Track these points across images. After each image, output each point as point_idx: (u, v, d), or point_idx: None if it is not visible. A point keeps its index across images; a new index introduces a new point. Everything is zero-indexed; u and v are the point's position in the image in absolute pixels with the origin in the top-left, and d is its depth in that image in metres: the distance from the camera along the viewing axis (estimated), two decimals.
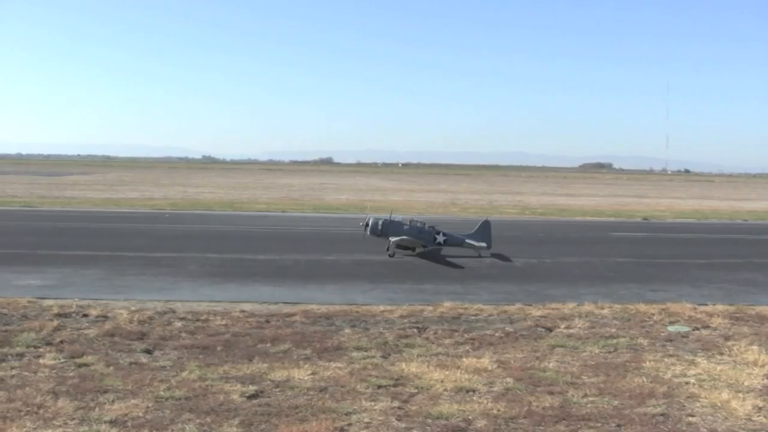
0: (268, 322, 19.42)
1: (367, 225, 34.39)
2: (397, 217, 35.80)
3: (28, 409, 12.36)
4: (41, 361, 15.36)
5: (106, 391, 13.36)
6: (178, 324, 18.86)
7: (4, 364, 15.08)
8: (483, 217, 41.48)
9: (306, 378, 14.53)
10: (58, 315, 19.43)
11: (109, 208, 61.55)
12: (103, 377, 14.26)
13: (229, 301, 22.15)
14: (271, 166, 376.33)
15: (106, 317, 19.36)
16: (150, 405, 12.70)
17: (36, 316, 19.31)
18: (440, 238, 34.49)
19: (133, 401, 12.84)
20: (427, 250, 34.01)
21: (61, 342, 16.82)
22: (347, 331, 18.73)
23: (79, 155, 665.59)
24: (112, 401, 12.83)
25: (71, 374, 14.49)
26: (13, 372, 14.55)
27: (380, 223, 34.00)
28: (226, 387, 13.82)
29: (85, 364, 15.15)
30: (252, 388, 13.72)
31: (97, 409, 12.43)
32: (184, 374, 14.59)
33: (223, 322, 19.15)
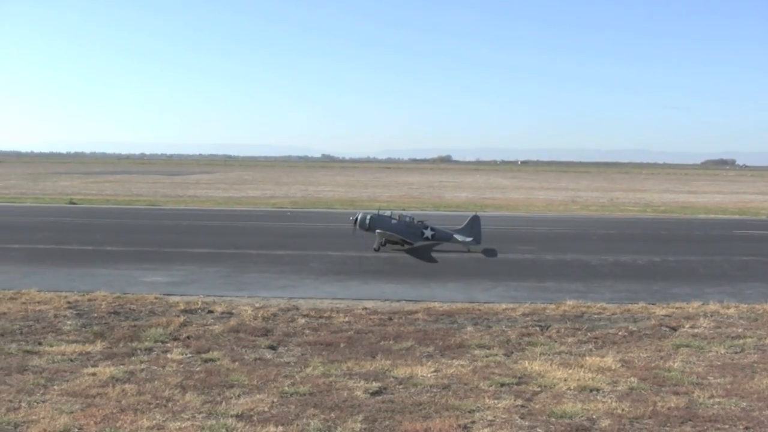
0: (390, 319, 19.47)
1: (356, 220, 34.97)
2: (386, 212, 36.32)
3: (158, 402, 12.62)
4: (169, 355, 15.70)
5: (232, 386, 13.57)
6: (302, 321, 19.07)
7: (133, 358, 15.45)
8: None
9: (429, 375, 14.50)
10: (185, 311, 19.86)
11: (231, 206, 62.53)
12: (228, 372, 14.48)
13: (352, 299, 22.32)
14: (390, 165, 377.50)
15: (231, 314, 19.71)
16: (275, 400, 12.84)
17: (163, 312, 19.78)
18: (428, 233, 34.87)
19: (258, 396, 13.01)
20: (415, 245, 34.37)
21: (188, 337, 17.17)
22: (469, 328, 18.66)
23: (200, 155, 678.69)
24: (238, 396, 13.02)
25: (198, 369, 14.76)
26: (143, 366, 14.89)
27: (368, 218, 34.58)
28: (349, 383, 13.88)
29: (211, 360, 15.41)
30: (375, 385, 13.75)
31: (223, 403, 12.63)
32: (308, 370, 14.71)
33: (346, 319, 19.27)
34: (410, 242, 34.17)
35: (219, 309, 20.18)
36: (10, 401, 12.59)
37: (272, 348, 16.49)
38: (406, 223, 34.96)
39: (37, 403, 12.53)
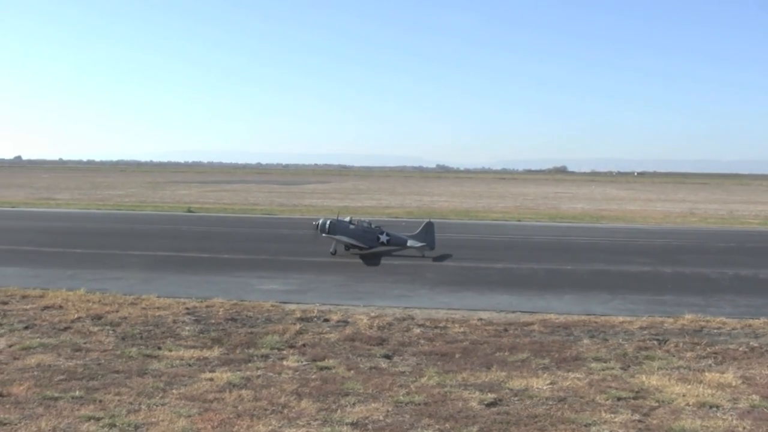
0: (506, 330, 19.31)
1: (317, 225, 36.15)
2: (345, 218, 37.33)
3: (273, 408, 12.75)
4: (285, 362, 15.84)
5: (347, 394, 13.61)
6: (417, 330, 19.04)
7: (250, 365, 15.65)
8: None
9: (545, 387, 14.33)
10: (301, 319, 20.01)
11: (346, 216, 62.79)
12: (344, 380, 14.54)
13: (467, 309, 22.20)
14: (505, 175, 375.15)
15: (346, 322, 19.80)
16: (390, 409, 12.84)
17: (279, 319, 19.98)
18: (383, 238, 35.96)
19: (373, 405, 13.03)
20: (372, 250, 35.52)
21: (304, 345, 17.29)
22: (586, 341, 18.38)
23: (316, 165, 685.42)
24: (353, 404, 13.06)
25: (313, 376, 14.86)
26: (259, 372, 15.06)
27: (328, 223, 35.81)
28: (464, 394, 13.81)
29: (327, 367, 15.49)
30: (490, 396, 13.64)
31: (338, 411, 12.68)
32: (423, 380, 14.68)
33: (461, 330, 19.17)
34: (365, 246, 35.48)
35: (335, 317, 20.29)
36: (131, 403, 12.88)
37: (387, 357, 16.51)
38: (363, 228, 36.16)
39: (157, 406, 12.78)
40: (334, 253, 34.80)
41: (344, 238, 35.20)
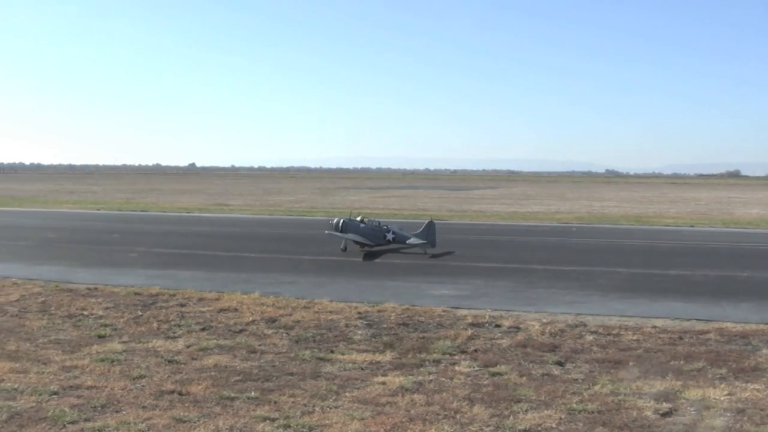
0: (681, 338, 18.81)
1: (333, 225, 38.74)
2: (357, 218, 39.75)
3: (446, 413, 12.76)
4: (457, 368, 15.85)
5: (519, 401, 13.51)
6: (590, 337, 18.76)
7: (422, 369, 15.71)
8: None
9: (722, 398, 13.86)
10: (472, 324, 19.98)
11: (516, 221, 62.57)
12: (516, 387, 14.44)
13: (640, 316, 21.72)
14: (676, 180, 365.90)
15: (518, 328, 19.66)
16: (563, 417, 12.69)
17: (451, 324, 20.00)
18: (389, 236, 38.39)
19: (546, 412, 12.90)
20: (379, 247, 38.11)
21: (475, 351, 17.26)
22: (765, 351, 17.66)
23: (484, 170, 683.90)
24: (526, 411, 12.95)
25: (485, 382, 14.81)
26: (431, 377, 15.11)
27: (341, 222, 38.45)
28: (639, 403, 13.52)
29: (499, 373, 15.42)
30: (666, 406, 13.30)
31: (511, 417, 12.60)
32: (597, 388, 14.44)
33: (635, 337, 18.78)
34: (372, 244, 37.98)
35: (506, 323, 20.16)
36: (305, 405, 13.11)
37: (560, 364, 16.32)
38: (372, 227, 38.70)
39: (330, 408, 12.97)
40: (344, 250, 37.26)
41: (354, 236, 37.79)
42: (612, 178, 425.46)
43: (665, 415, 12.91)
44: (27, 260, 33.04)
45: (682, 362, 16.50)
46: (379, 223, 39.64)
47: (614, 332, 19.33)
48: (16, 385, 13.99)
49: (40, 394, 13.45)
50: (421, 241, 37.23)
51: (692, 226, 58.33)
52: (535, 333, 19.08)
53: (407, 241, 37.81)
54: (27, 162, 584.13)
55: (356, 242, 37.84)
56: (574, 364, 16.33)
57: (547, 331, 19.32)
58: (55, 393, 13.60)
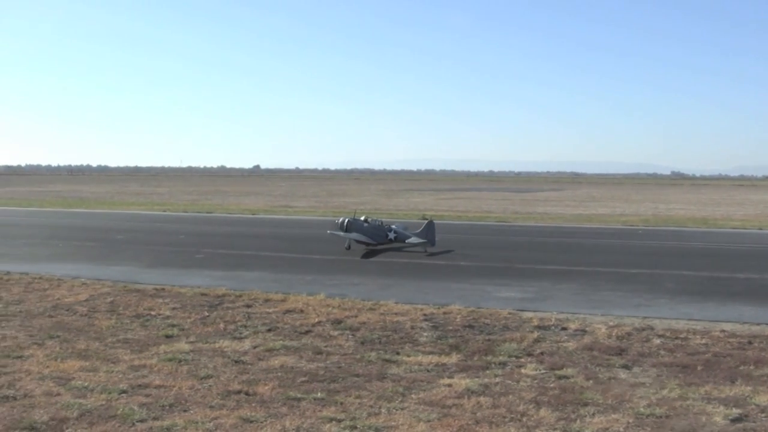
0: (750, 343, 18.50)
1: (338, 224, 40.17)
2: (361, 217, 40.94)
3: (512, 416, 12.72)
4: (523, 370, 15.78)
5: (586, 404, 13.43)
6: (657, 341, 18.54)
7: (488, 372, 15.68)
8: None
9: None
10: (538, 327, 19.89)
11: (580, 223, 62.10)
12: (582, 390, 14.35)
13: (708, 320, 21.43)
14: (743, 182, 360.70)
15: (584, 331, 19.53)
16: (630, 421, 12.57)
17: (516, 327, 19.92)
18: (391, 235, 39.40)
19: (613, 416, 12.79)
20: (381, 246, 39.18)
21: (541, 353, 17.18)
22: None
23: (548, 172, 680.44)
24: (593, 414, 12.86)
25: (552, 385, 14.74)
26: (497, 380, 15.06)
27: (345, 222, 39.84)
28: (707, 408, 13.34)
29: (565, 376, 15.34)
30: (735, 411, 13.10)
31: (578, 421, 12.53)
32: (664, 392, 14.30)
33: (703, 342, 18.52)
34: (374, 242, 39.13)
35: (572, 326, 20.03)
36: (371, 407, 13.15)
37: (626, 367, 16.17)
38: (375, 226, 39.95)
39: (396, 410, 12.99)
40: (348, 249, 38.53)
41: (357, 236, 39.01)
42: (678, 179, 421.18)
43: (735, 420, 12.72)
44: (96, 261, 33.60)
45: (751, 367, 16.24)
46: (382, 222, 41.06)
47: (682, 336, 19.09)
48: (86, 384, 14.22)
49: (110, 393, 13.66)
50: (421, 240, 38.29)
51: (760, 229, 57.42)
52: (601, 336, 18.93)
53: (407, 240, 38.79)
54: (94, 164, 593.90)
55: (359, 241, 39.08)
56: (641, 368, 16.18)
57: (613, 334, 19.15)
58: (124, 391, 13.81)
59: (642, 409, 13.14)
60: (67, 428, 11.89)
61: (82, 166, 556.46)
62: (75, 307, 22.06)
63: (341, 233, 39.21)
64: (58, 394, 13.61)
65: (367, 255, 37.10)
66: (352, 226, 39.39)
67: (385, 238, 39.33)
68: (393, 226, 40.19)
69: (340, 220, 40.61)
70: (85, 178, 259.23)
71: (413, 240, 38.53)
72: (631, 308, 23.29)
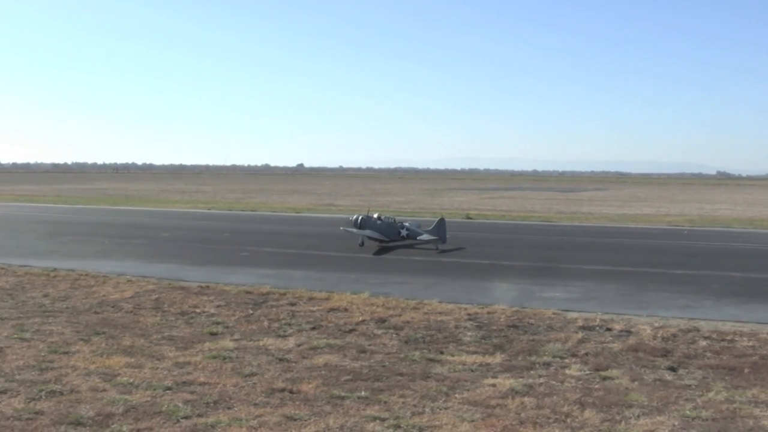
0: None
1: (350, 221, 41.04)
2: (374, 215, 41.49)
3: (556, 416, 12.67)
4: (567, 371, 15.71)
5: (631, 406, 13.33)
6: (703, 343, 18.35)
7: (532, 372, 15.63)
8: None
9: None
10: (583, 328, 19.73)
11: (624, 223, 61.72)
12: (627, 391, 14.26)
13: (756, 322, 21.14)
14: None
15: (629, 332, 19.35)
16: (676, 423, 12.46)
17: (561, 327, 19.80)
18: (404, 232, 39.89)
19: (658, 418, 12.69)
20: (394, 243, 39.73)
21: (586, 354, 17.08)
22: None
23: (592, 172, 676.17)
24: (638, 416, 12.77)
25: (596, 386, 14.65)
26: (541, 380, 15.01)
27: (359, 219, 40.54)
28: (755, 411, 13.20)
29: (610, 378, 15.25)
30: None
31: (623, 422, 12.44)
32: (711, 395, 14.16)
33: (750, 344, 18.29)
34: (386, 239, 39.73)
35: (617, 327, 19.85)
36: (415, 406, 13.14)
37: (672, 369, 16.03)
38: (388, 223, 40.55)
39: (440, 409, 12.98)
40: (361, 245, 39.14)
41: (371, 233, 39.65)
42: (723, 179, 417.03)
43: None
44: (141, 258, 33.88)
45: None
46: (395, 219, 41.60)
47: (728, 338, 18.86)
48: (131, 380, 14.35)
49: (155, 389, 13.78)
50: (432, 237, 38.86)
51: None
52: (646, 337, 18.76)
53: (418, 237, 39.27)
54: (139, 162, 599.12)
55: (372, 238, 39.57)
56: (686, 370, 16.03)
57: (659, 335, 18.97)
58: (169, 388, 13.92)
59: (688, 412, 13.02)
60: (112, 424, 12.00)
61: (127, 164, 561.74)
62: (120, 304, 22.27)
63: (355, 230, 39.97)
64: (104, 390, 13.75)
65: (380, 252, 37.60)
66: (365, 224, 40.14)
67: (397, 235, 39.89)
68: (405, 224, 40.75)
69: (354, 217, 41.38)
70: (130, 176, 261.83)
71: (425, 237, 39.10)
72: (676, 309, 23.07)
